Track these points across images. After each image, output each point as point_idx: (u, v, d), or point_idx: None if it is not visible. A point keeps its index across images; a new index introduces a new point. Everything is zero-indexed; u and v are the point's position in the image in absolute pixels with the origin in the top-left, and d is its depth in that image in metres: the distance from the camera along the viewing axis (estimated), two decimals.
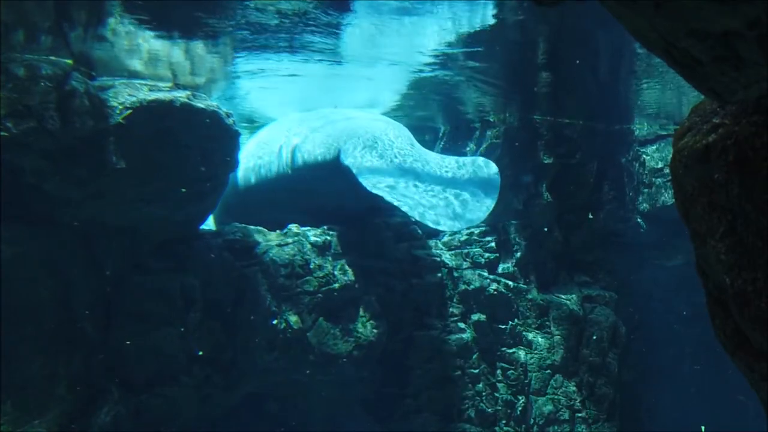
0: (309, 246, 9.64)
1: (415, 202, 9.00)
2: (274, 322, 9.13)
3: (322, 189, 10.03)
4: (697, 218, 2.44)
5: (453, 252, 10.83)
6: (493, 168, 9.64)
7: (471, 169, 9.71)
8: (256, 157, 10.51)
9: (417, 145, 10.15)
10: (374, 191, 9.05)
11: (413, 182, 9.28)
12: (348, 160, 9.49)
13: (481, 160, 9.93)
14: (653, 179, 11.18)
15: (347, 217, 10.27)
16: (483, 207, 9.17)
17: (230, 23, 7.48)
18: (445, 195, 9.26)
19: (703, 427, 10.39)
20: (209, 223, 10.38)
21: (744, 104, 2.25)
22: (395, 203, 8.92)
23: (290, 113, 11.56)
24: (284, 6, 6.88)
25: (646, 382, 11.86)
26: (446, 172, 9.63)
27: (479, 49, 8.38)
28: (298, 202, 10.22)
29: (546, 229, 10.87)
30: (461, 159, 10.02)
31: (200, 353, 8.83)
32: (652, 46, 2.00)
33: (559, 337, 10.48)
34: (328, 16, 7.33)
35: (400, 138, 9.93)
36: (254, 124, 12.62)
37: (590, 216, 11.02)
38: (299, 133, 10.34)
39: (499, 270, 10.81)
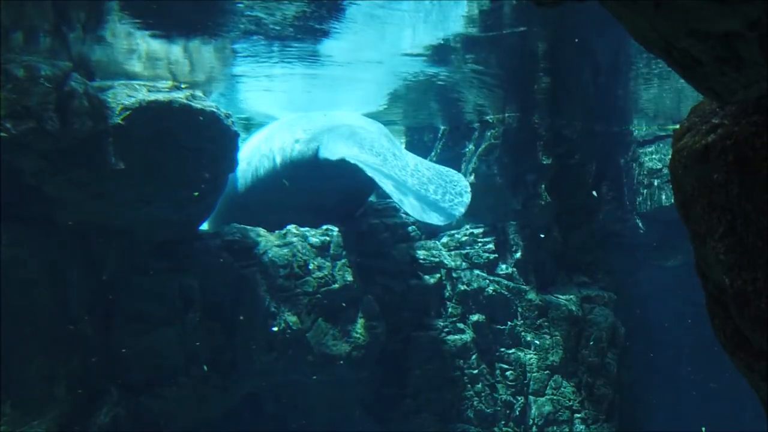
0: (308, 246, 9.64)
1: (396, 184, 9.18)
2: (275, 329, 9.13)
3: (310, 186, 10.17)
4: (697, 218, 2.45)
5: (452, 252, 10.83)
6: (462, 179, 9.84)
7: (444, 173, 9.91)
8: (245, 162, 10.60)
9: (396, 143, 10.40)
10: (352, 161, 9.26)
11: (393, 168, 9.45)
12: (327, 153, 9.72)
13: (449, 169, 10.14)
14: (652, 180, 11.20)
15: (341, 214, 10.37)
16: (456, 208, 9.33)
17: (229, 25, 7.48)
18: (422, 187, 9.41)
19: (703, 428, 10.40)
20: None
21: (743, 104, 2.26)
22: (374, 178, 9.08)
23: (284, 115, 11.65)
24: (283, 8, 6.88)
25: (645, 383, 11.87)
26: (423, 170, 9.81)
27: (478, 49, 8.39)
28: (290, 202, 10.28)
29: (542, 236, 10.88)
30: (435, 164, 10.24)
31: (205, 368, 8.84)
32: (652, 46, 2.00)
33: (558, 337, 10.48)
34: (323, 23, 7.35)
35: (380, 136, 10.20)
36: (251, 125, 12.63)
37: (594, 194, 10.98)
38: (283, 135, 10.59)
39: (498, 270, 10.81)
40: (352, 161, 9.27)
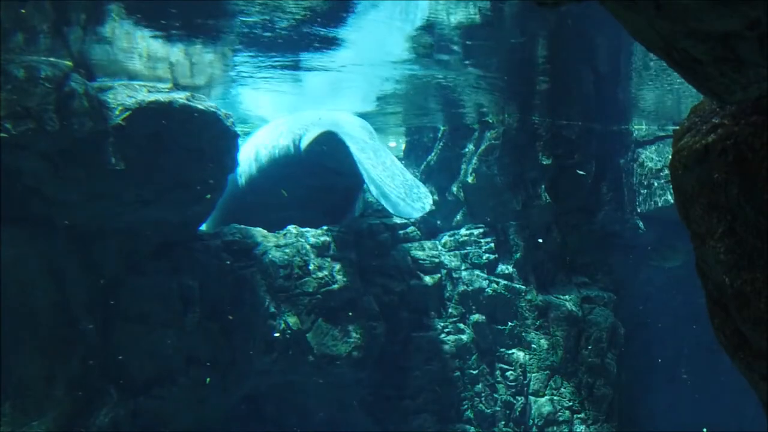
0: (308, 247, 9.65)
1: (368, 165, 9.42)
2: (276, 334, 9.13)
3: (299, 183, 10.40)
4: (697, 219, 2.45)
5: (452, 253, 10.84)
6: (429, 196, 10.00)
7: (413, 182, 10.11)
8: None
9: (379, 143, 10.63)
10: (331, 130, 9.66)
11: (367, 156, 9.69)
12: (309, 136, 10.03)
13: (420, 183, 10.35)
14: (652, 180, 11.19)
15: (332, 211, 10.56)
16: (414, 209, 9.48)
17: (229, 27, 7.48)
18: (389, 181, 9.63)
19: (704, 430, 10.41)
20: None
21: (743, 105, 2.26)
22: (349, 146, 9.40)
23: (281, 117, 11.79)
24: (284, 12, 6.88)
25: (644, 383, 11.87)
26: (396, 170, 10.00)
27: (478, 50, 8.39)
28: (281, 201, 10.46)
29: (540, 240, 10.89)
30: (409, 173, 10.46)
31: (208, 380, 8.87)
32: (652, 46, 2.00)
33: (558, 337, 10.48)
34: (323, 26, 7.36)
35: (363, 132, 10.49)
36: (249, 125, 12.66)
37: (581, 172, 10.96)
38: (273, 135, 10.90)
39: (498, 271, 10.81)
40: (331, 130, 9.66)
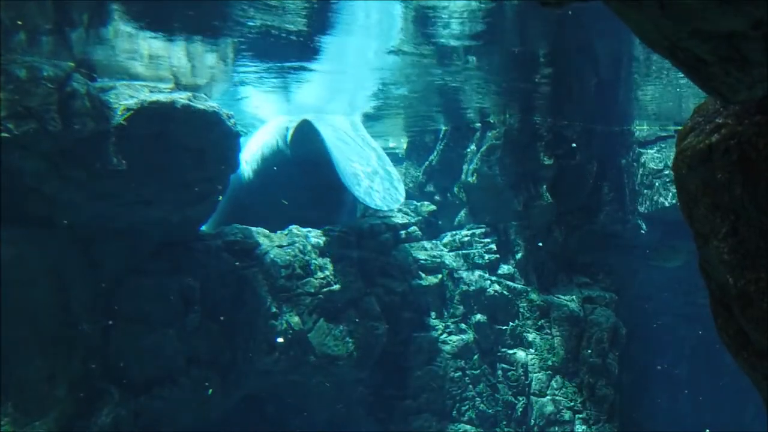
0: (310, 247, 9.65)
1: (343, 157, 9.69)
2: (280, 339, 9.14)
3: (289, 181, 10.57)
4: (700, 219, 2.45)
5: (453, 253, 10.84)
6: (401, 195, 10.14)
7: (395, 178, 10.28)
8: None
9: (362, 132, 10.86)
10: (310, 119, 9.92)
11: (348, 147, 10.00)
12: (290, 134, 10.37)
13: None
14: (653, 180, 11.18)
15: (324, 210, 10.77)
16: (386, 202, 9.67)
17: (228, 29, 7.47)
18: (366, 172, 9.89)
19: (707, 431, 10.42)
20: None
21: (747, 104, 2.26)
22: (325, 139, 9.68)
23: (279, 117, 11.92)
24: (284, 12, 6.87)
25: (645, 383, 11.87)
26: (378, 165, 10.21)
27: (479, 50, 8.38)
28: (274, 201, 10.57)
29: (540, 243, 10.89)
30: (393, 169, 10.62)
31: (210, 392, 8.88)
32: (657, 45, 2.00)
33: (559, 338, 10.48)
34: (322, 26, 7.36)
35: (343, 122, 10.88)
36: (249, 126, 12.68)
37: (574, 146, 10.98)
38: (265, 135, 11.24)
39: (500, 271, 10.81)
40: (307, 118, 9.96)
